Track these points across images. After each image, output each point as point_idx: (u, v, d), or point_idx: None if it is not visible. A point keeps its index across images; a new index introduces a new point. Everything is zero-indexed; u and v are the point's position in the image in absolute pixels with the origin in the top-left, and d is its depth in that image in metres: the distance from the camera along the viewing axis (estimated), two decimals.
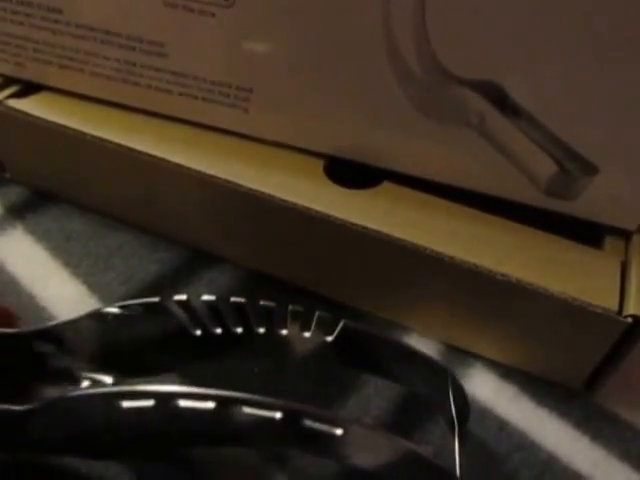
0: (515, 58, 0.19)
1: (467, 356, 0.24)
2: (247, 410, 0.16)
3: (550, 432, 0.22)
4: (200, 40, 0.22)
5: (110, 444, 0.18)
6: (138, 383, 0.17)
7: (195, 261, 0.27)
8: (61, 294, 0.25)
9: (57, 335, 0.20)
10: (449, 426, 0.21)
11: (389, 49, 0.20)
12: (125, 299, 0.25)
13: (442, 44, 0.19)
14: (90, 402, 0.17)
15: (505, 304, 0.22)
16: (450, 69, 0.20)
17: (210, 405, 0.16)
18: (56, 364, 0.20)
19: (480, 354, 0.24)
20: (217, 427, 0.16)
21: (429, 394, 0.21)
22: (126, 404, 0.16)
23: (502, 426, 0.22)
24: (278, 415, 0.16)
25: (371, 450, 0.16)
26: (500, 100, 0.20)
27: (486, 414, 0.23)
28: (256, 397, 0.16)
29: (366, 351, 0.20)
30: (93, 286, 0.26)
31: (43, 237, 0.28)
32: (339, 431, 0.16)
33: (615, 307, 0.20)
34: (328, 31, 0.21)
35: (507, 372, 0.24)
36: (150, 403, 0.16)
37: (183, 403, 0.16)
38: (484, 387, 0.23)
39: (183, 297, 0.20)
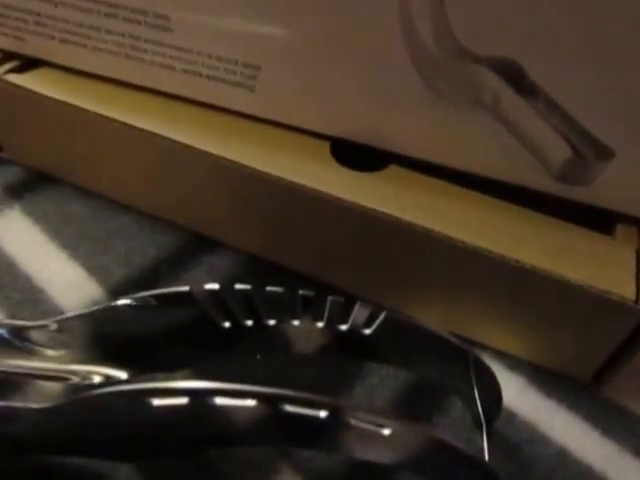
0: (536, 35, 0.18)
1: (474, 346, 0.24)
2: (289, 408, 0.15)
3: (560, 425, 0.22)
4: (206, 13, 0.21)
5: (134, 446, 0.17)
6: (159, 379, 0.16)
7: (196, 245, 0.27)
8: (59, 276, 0.25)
9: (68, 328, 0.19)
10: (476, 421, 0.20)
11: (404, 25, 0.19)
12: (124, 282, 0.25)
13: (460, 19, 0.19)
14: (118, 399, 0.16)
15: (518, 291, 0.21)
16: (467, 45, 0.19)
17: (250, 403, 0.15)
18: (67, 359, 0.20)
19: (487, 344, 0.24)
20: (256, 426, 0.15)
21: (455, 383, 0.20)
22: (157, 402, 0.15)
23: (510, 418, 0.22)
24: (323, 414, 0.15)
25: (410, 444, 0.15)
26: (517, 79, 0.19)
27: None
28: (301, 394, 0.15)
29: (389, 340, 0.19)
30: (91, 269, 0.25)
31: (41, 218, 0.27)
32: (387, 431, 0.15)
33: (632, 296, 0.19)
34: (340, 7, 0.20)
35: (515, 363, 0.23)
36: (184, 401, 0.15)
37: (220, 401, 0.15)
38: None
39: (215, 286, 0.19)
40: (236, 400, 0.15)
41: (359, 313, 0.19)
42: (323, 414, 0.15)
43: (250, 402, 0.15)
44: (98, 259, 0.26)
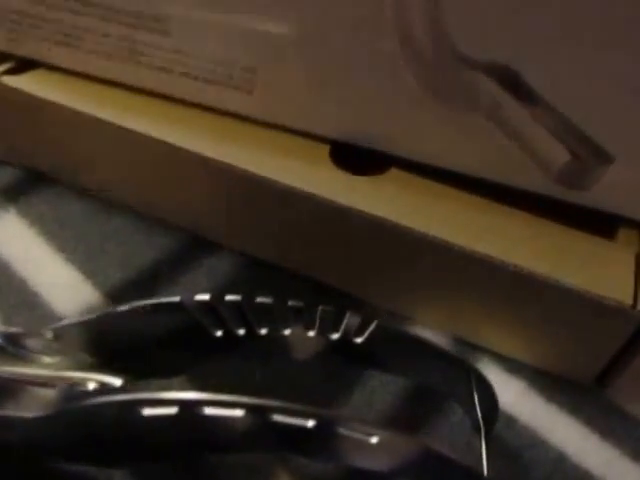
0: (532, 41, 0.18)
1: (474, 350, 0.24)
2: (278, 418, 0.15)
3: (560, 429, 0.22)
4: (203, 16, 0.21)
5: (126, 452, 0.17)
6: (152, 387, 0.16)
7: (193, 247, 0.27)
8: (55, 279, 0.25)
9: (63, 336, 0.19)
10: (474, 428, 0.20)
11: (400, 30, 0.19)
12: (121, 285, 0.25)
13: (457, 25, 0.19)
14: (109, 409, 0.16)
15: (516, 296, 0.21)
16: (464, 52, 0.19)
17: (238, 413, 0.15)
18: (62, 365, 0.19)
19: (487, 348, 0.24)
20: (246, 435, 0.15)
21: (452, 391, 0.20)
22: (149, 411, 0.15)
23: (511, 422, 0.22)
24: (310, 423, 0.15)
25: (396, 454, 0.15)
26: (514, 85, 0.19)
27: None
28: (289, 405, 0.15)
29: (382, 348, 0.19)
30: (88, 272, 0.25)
31: (37, 221, 0.27)
32: (375, 439, 0.15)
33: (630, 300, 0.19)
34: (336, 9, 0.20)
35: (515, 367, 0.23)
36: (174, 410, 0.15)
37: (209, 411, 0.15)
38: (492, 382, 0.23)
39: (206, 297, 0.19)
40: (225, 410, 0.15)
41: (350, 322, 0.19)
42: (310, 423, 0.15)
43: (239, 412, 0.15)
44: (95, 262, 0.25)
